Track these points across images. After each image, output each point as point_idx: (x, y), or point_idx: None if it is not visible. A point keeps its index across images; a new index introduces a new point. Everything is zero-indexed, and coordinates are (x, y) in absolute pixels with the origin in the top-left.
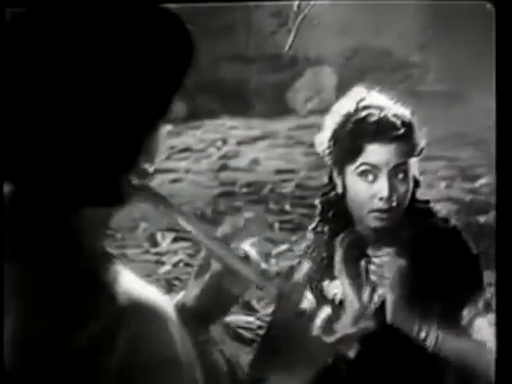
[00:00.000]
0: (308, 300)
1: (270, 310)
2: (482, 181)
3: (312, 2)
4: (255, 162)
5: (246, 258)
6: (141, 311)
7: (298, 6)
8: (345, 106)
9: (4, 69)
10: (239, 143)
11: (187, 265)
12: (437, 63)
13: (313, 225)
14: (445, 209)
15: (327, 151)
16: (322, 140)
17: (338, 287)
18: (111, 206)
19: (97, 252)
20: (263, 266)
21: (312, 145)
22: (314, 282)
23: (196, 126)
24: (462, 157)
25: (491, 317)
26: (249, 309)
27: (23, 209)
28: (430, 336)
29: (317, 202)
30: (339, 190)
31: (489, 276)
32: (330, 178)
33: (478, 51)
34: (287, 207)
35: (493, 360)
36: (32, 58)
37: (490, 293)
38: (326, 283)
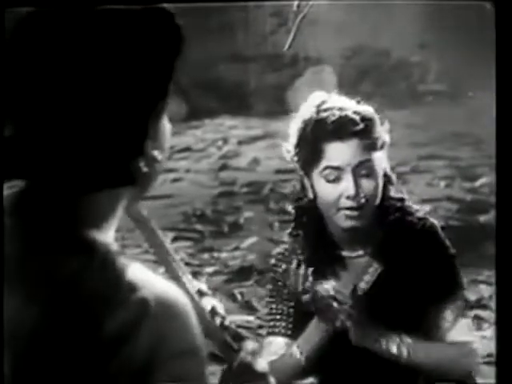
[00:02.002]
0: (260, 364)
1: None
2: (482, 180)
3: (311, 2)
4: (255, 161)
5: (212, 310)
6: (164, 304)
7: (298, 6)
8: (306, 111)
9: (11, 64)
10: (239, 143)
11: (187, 264)
12: (437, 63)
13: (289, 230)
14: (439, 208)
15: (295, 158)
16: (289, 148)
17: None
18: (122, 186)
19: (110, 248)
20: (227, 322)
21: None
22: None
23: (196, 126)
24: (462, 157)
25: (470, 316)
26: (249, 308)
27: (35, 204)
28: (401, 347)
29: (290, 208)
30: (310, 195)
31: (489, 276)
32: (303, 185)
33: (478, 51)
34: (287, 207)
35: (477, 360)
36: (38, 52)
37: (476, 292)
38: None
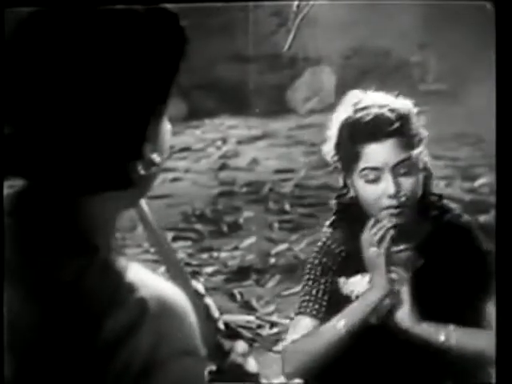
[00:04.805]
0: (251, 365)
1: (270, 309)
2: (482, 180)
3: (311, 2)
4: (255, 161)
5: (206, 312)
6: (162, 303)
7: (298, 6)
8: (343, 111)
9: (11, 64)
10: (239, 143)
11: (187, 264)
12: (437, 63)
13: (329, 221)
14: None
15: (335, 158)
16: (329, 149)
17: (355, 285)
18: (119, 189)
19: (110, 249)
20: (220, 324)
21: (312, 144)
22: (330, 272)
23: (195, 126)
24: (462, 157)
25: None
26: (248, 308)
27: (34, 207)
28: (449, 336)
29: (333, 202)
30: (352, 193)
31: None
32: (345, 182)
33: (478, 51)
34: (287, 207)
35: None
36: (39, 52)
37: None
38: (342, 280)
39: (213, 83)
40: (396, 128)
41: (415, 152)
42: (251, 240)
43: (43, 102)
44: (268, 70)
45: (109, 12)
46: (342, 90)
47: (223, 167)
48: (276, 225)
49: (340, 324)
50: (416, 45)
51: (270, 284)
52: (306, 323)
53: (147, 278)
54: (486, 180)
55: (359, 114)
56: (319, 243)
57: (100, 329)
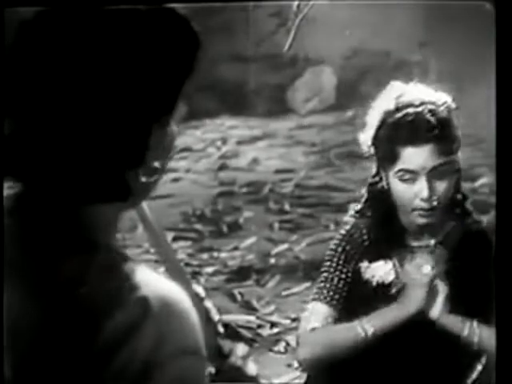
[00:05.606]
0: (250, 368)
1: (271, 309)
2: (482, 181)
3: (311, 2)
4: (255, 161)
5: (207, 312)
6: (165, 303)
7: (298, 6)
8: (384, 103)
9: (13, 67)
10: (239, 143)
11: (187, 264)
12: (437, 63)
13: (356, 208)
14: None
15: (371, 149)
16: (366, 139)
17: (376, 270)
18: (119, 201)
19: (111, 248)
20: (219, 328)
21: (312, 144)
22: (353, 261)
23: (196, 126)
24: (462, 157)
25: None
26: (249, 308)
27: (34, 208)
28: (472, 332)
29: (363, 190)
30: (385, 185)
31: None
32: (378, 170)
33: (478, 51)
34: (287, 207)
35: None
36: (41, 56)
37: None
38: (364, 264)
39: (213, 83)
40: (435, 134)
41: (452, 157)
42: (251, 240)
43: (45, 107)
44: (268, 70)
45: (114, 14)
46: (342, 90)
47: (223, 167)
48: (276, 225)
49: (367, 326)
50: (416, 44)
51: (270, 284)
52: (322, 311)
53: (151, 278)
54: (486, 180)
55: (400, 114)
56: (342, 231)
57: (102, 328)
